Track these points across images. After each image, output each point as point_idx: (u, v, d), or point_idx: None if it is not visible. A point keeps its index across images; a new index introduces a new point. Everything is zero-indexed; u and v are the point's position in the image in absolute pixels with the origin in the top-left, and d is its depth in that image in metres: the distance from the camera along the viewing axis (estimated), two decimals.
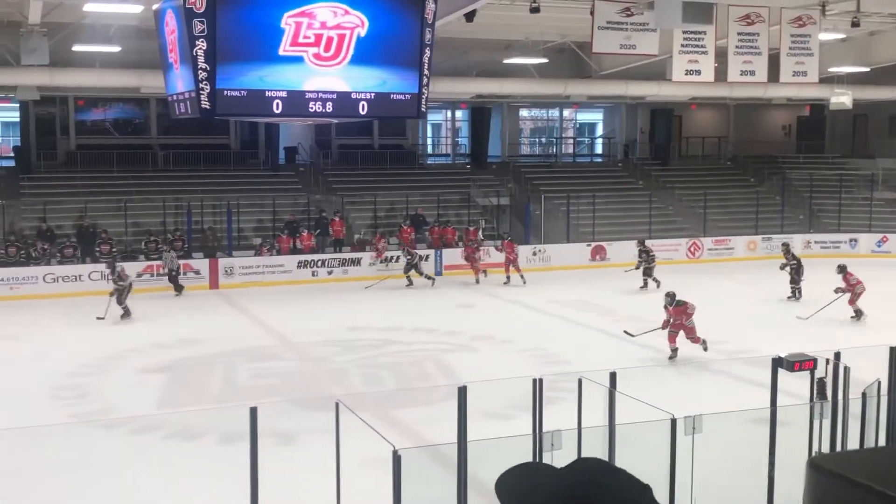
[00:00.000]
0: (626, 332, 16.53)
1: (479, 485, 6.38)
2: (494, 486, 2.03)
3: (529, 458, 6.34)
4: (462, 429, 6.15)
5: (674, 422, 6.44)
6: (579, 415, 6.98)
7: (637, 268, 23.24)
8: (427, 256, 25.36)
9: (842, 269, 19.02)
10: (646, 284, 22.82)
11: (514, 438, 6.57)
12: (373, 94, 11.57)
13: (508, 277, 23.69)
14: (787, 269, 21.44)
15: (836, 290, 18.64)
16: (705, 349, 15.11)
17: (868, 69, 27.23)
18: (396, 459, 5.66)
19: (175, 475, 10.31)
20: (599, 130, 39.06)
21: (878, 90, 29.37)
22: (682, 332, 15.15)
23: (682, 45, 18.58)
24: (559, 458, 6.17)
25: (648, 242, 27.66)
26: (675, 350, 15.21)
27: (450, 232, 27.21)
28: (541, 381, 6.93)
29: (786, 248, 22.38)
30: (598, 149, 38.71)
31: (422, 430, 11.25)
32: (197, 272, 23.42)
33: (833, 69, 26.05)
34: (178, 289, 22.19)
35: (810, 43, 19.85)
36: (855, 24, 18.97)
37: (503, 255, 23.91)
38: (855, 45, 26.45)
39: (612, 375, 6.86)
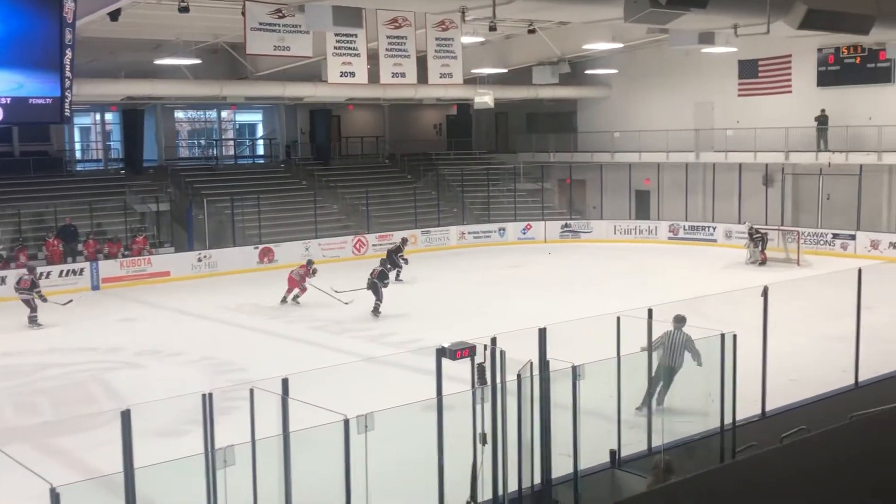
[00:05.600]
0: (336, 292, 18.16)
1: None
2: None
3: (203, 477, 6.13)
4: (128, 457, 5.81)
5: (346, 422, 6.52)
6: (252, 427, 6.86)
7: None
8: (82, 270, 23.80)
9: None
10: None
11: (183, 460, 6.31)
12: (9, 99, 10.64)
13: None
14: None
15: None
16: None
17: (506, 70, 29.50)
18: (55, 497, 5.22)
19: None
20: (260, 131, 38.75)
21: (515, 90, 31.90)
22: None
23: (336, 48, 18.89)
24: (232, 474, 6.03)
25: (316, 242, 28.06)
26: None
27: (115, 246, 25.58)
28: (210, 395, 6.72)
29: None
30: (260, 150, 38.41)
31: (88, 459, 10.54)
32: None
33: (475, 70, 27.93)
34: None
35: (454, 46, 20.99)
36: (492, 29, 20.32)
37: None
38: (493, 48, 28.52)
39: (285, 382, 6.80)
